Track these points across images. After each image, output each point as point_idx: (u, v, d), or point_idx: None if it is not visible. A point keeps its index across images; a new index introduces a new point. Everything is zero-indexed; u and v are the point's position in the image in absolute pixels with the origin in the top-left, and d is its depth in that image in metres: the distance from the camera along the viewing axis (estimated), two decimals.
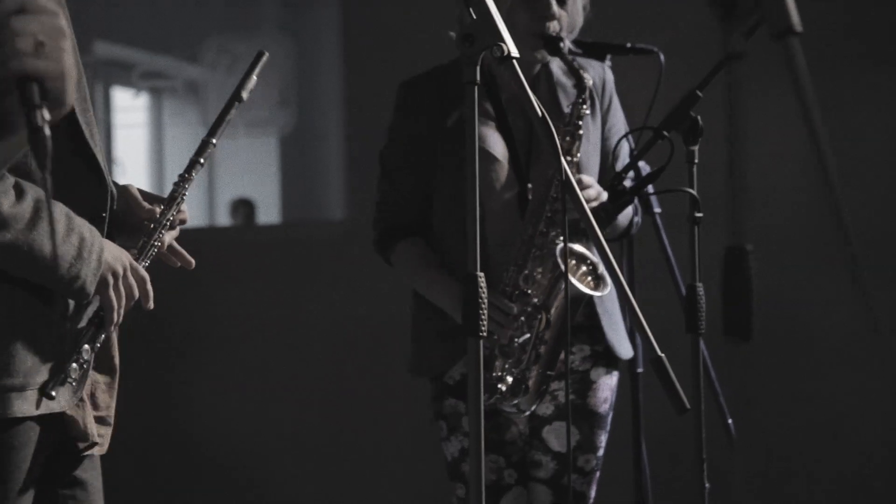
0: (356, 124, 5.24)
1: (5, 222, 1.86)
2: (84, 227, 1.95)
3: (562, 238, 2.72)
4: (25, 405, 1.93)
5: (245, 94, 2.24)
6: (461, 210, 2.84)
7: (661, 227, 3.27)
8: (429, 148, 2.86)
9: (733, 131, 1.39)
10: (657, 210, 3.29)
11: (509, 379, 2.72)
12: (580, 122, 2.78)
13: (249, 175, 8.91)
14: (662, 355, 2.06)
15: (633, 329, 2.94)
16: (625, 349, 2.92)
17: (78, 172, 1.97)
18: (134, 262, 2.06)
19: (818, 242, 4.17)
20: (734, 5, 1.39)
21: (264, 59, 2.26)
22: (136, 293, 2.05)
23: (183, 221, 2.19)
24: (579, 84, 2.77)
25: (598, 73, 2.91)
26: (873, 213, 4.18)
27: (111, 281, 2.00)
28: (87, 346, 2.01)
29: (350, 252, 4.85)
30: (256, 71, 2.25)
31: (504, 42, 1.98)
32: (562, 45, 2.76)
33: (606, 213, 2.68)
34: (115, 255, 2.01)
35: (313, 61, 7.99)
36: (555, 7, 2.77)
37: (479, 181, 2.03)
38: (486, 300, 2.00)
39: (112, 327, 2.04)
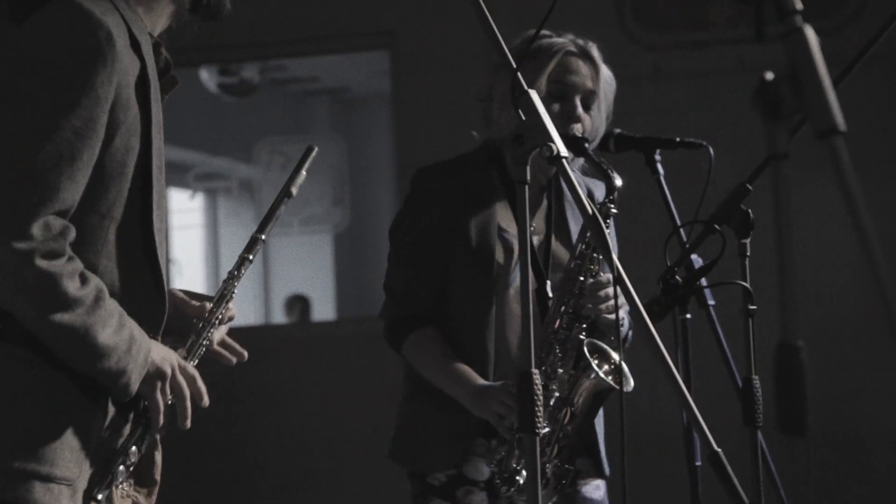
0: None
1: (68, 304, 1.86)
2: (135, 327, 1.94)
3: (585, 332, 2.76)
4: (64, 500, 1.90)
5: (294, 190, 2.24)
6: (477, 301, 2.89)
7: (715, 320, 3.27)
8: (442, 238, 2.84)
9: (781, 231, 1.40)
10: (711, 303, 3.29)
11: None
12: (608, 221, 2.80)
13: (304, 272, 8.98)
14: (719, 450, 2.06)
15: (690, 424, 2.93)
16: (606, 466, 2.92)
17: (147, 290, 1.98)
18: (182, 361, 2.03)
19: (873, 336, 4.15)
20: (779, 105, 1.42)
21: (314, 154, 2.25)
22: (187, 392, 2.01)
23: (230, 318, 2.17)
24: (609, 185, 2.80)
25: (601, 192, 2.95)
26: None
27: (158, 383, 1.98)
28: (133, 449, 1.99)
29: None
30: (306, 166, 2.24)
31: (554, 142, 2.01)
32: (587, 145, 2.80)
33: (659, 306, 2.69)
34: (163, 355, 1.99)
35: (365, 160, 8.11)
36: (580, 109, 2.82)
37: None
38: (541, 397, 2.02)
39: (158, 430, 2.01)
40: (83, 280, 1.88)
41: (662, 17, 5.15)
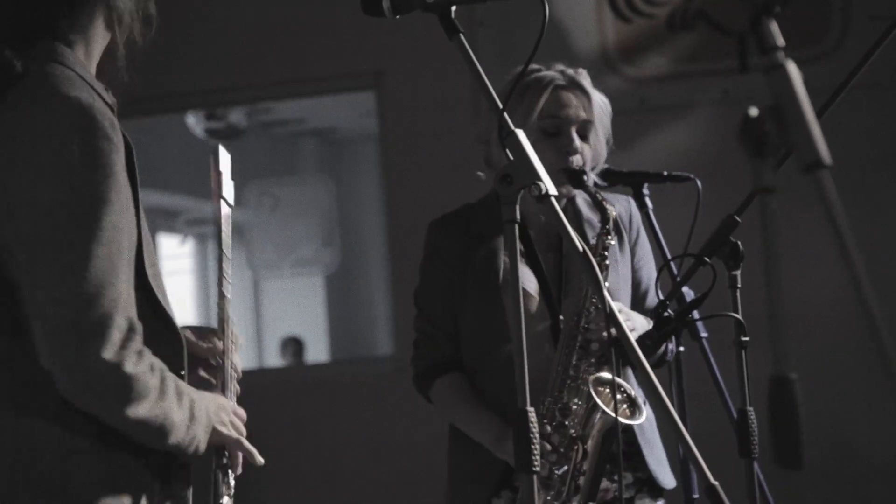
0: (398, 261, 5.29)
1: (146, 397, 1.92)
2: (185, 387, 2.00)
3: (594, 369, 2.76)
4: None
5: (228, 196, 2.32)
6: (489, 344, 2.90)
7: (708, 352, 3.27)
8: (455, 287, 2.89)
9: (770, 264, 1.41)
10: (704, 335, 3.29)
11: None
12: (606, 253, 2.81)
13: (296, 314, 8.97)
14: (716, 483, 2.06)
15: (686, 457, 2.92)
16: (667, 479, 2.91)
17: (159, 334, 2.01)
18: (230, 403, 2.12)
19: (869, 370, 4.15)
20: (764, 141, 1.43)
21: (222, 154, 2.31)
22: (244, 430, 2.12)
23: (240, 343, 2.25)
24: (603, 216, 2.81)
25: (623, 206, 2.96)
26: None
27: (223, 429, 2.07)
28: (225, 500, 2.11)
29: (399, 386, 4.86)
30: (224, 169, 2.32)
31: (542, 181, 2.02)
32: (585, 178, 2.81)
33: (652, 340, 2.69)
34: (217, 404, 2.07)
35: (355, 200, 8.11)
36: (577, 142, 2.83)
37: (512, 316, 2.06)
38: (536, 435, 2.01)
39: (237, 468, 2.12)
40: (151, 367, 1.94)
41: (646, 50, 5.19)
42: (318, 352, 8.95)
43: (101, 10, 2.04)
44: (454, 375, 2.90)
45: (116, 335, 1.88)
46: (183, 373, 2.05)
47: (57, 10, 2.00)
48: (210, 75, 5.64)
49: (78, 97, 1.92)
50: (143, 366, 1.91)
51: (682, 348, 2.97)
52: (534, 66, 2.83)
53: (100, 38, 2.05)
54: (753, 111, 1.42)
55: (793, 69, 1.42)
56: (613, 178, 2.97)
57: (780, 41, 1.43)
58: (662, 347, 2.91)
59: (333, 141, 8.76)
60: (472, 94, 5.10)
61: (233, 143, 7.72)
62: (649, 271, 2.99)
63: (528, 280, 2.86)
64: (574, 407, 2.75)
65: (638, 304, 2.93)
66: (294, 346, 8.91)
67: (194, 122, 7.55)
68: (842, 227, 1.39)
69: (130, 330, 1.91)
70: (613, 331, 2.10)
